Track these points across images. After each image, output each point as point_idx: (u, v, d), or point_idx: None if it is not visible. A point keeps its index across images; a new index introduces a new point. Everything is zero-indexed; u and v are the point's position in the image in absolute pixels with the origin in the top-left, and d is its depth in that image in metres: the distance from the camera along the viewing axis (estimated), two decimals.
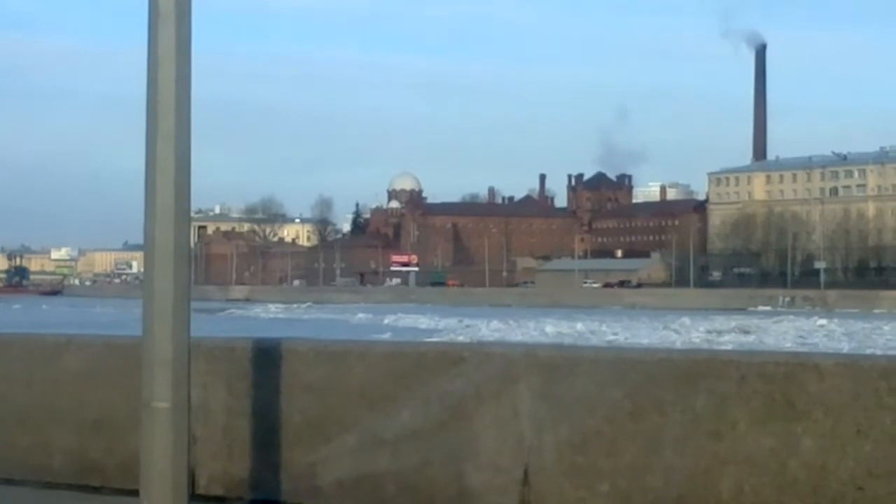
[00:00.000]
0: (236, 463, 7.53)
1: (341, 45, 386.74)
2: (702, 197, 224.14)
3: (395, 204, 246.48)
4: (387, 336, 57.80)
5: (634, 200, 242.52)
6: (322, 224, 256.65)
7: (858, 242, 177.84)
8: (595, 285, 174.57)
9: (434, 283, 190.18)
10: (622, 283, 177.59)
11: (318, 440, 7.31)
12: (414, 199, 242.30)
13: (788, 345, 61.74)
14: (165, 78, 5.32)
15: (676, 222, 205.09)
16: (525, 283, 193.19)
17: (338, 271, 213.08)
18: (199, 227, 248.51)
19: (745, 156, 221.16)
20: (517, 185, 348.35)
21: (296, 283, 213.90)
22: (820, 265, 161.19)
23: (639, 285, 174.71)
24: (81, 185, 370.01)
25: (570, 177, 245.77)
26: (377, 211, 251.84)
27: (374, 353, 7.48)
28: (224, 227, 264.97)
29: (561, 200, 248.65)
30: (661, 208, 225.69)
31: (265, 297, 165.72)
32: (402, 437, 7.06)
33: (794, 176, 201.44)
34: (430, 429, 6.99)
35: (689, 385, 6.39)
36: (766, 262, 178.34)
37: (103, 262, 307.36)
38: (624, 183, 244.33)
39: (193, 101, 5.38)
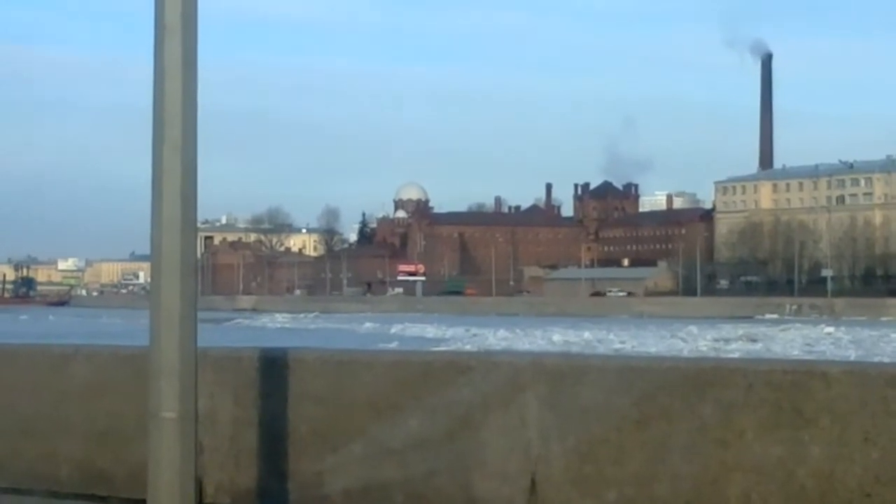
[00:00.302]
0: (243, 472, 7.53)
1: (348, 55, 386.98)
2: (708, 206, 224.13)
3: (401, 213, 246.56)
4: (394, 345, 57.82)
5: (641, 209, 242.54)
6: (328, 234, 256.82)
7: (865, 251, 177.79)
8: (621, 294, 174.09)
9: (452, 292, 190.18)
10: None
11: (324, 449, 7.30)
12: (420, 209, 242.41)
13: (796, 353, 61.74)
14: (172, 88, 5.33)
15: (683, 231, 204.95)
16: (521, 292, 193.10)
17: (344, 281, 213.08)
18: (206, 238, 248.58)
19: (752, 164, 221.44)
20: (523, 195, 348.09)
21: (297, 292, 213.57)
22: (827, 273, 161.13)
23: (628, 294, 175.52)
24: (88, 195, 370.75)
25: (576, 186, 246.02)
26: (384, 221, 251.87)
27: (381, 363, 7.48)
28: (231, 237, 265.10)
29: (567, 209, 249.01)
30: (668, 217, 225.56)
31: (272, 307, 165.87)
32: (409, 446, 7.05)
33: (801, 184, 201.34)
34: (438, 438, 6.99)
35: (697, 393, 6.38)
36: (772, 270, 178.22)
37: (110, 272, 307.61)
38: (630, 192, 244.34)
39: (200, 112, 5.39)
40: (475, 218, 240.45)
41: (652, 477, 6.43)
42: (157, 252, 5.36)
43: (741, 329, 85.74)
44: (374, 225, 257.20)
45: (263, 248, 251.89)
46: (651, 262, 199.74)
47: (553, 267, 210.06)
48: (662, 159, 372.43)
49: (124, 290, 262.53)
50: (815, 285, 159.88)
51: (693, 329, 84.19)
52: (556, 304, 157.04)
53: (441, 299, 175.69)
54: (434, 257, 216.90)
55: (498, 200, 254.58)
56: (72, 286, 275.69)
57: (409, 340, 75.78)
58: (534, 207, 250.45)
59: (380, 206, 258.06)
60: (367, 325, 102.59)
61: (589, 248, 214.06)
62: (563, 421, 6.68)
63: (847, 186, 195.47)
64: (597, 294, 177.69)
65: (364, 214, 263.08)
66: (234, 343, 9.79)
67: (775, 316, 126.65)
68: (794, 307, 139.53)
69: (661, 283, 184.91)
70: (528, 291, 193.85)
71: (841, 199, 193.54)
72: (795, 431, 6.12)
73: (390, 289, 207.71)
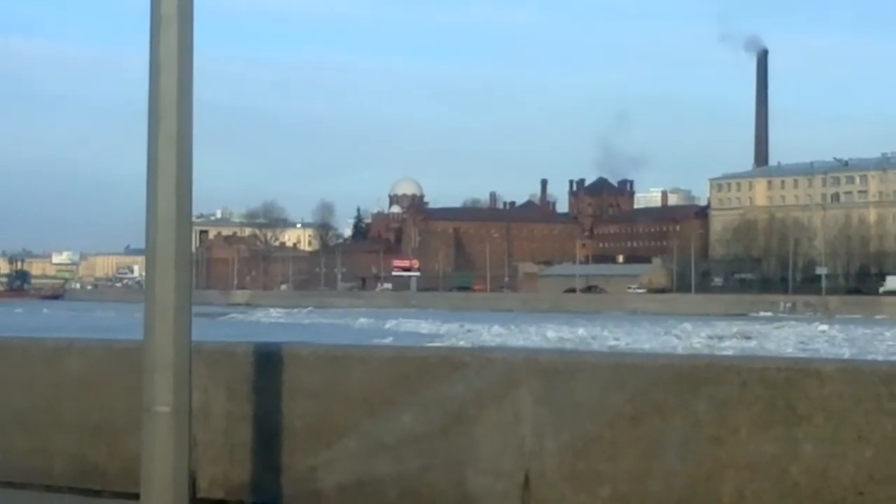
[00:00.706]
0: (237, 467, 7.53)
1: (343, 49, 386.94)
2: (703, 202, 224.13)
3: (396, 209, 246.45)
4: (388, 341, 57.81)
5: (636, 206, 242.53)
6: (323, 229, 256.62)
7: (860, 248, 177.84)
8: (640, 291, 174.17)
9: (460, 288, 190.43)
10: (589, 289, 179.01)
11: (319, 444, 7.31)
12: (415, 204, 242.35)
13: (790, 350, 61.83)
14: (167, 82, 5.33)
15: (678, 228, 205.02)
16: (502, 288, 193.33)
17: (339, 276, 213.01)
18: (201, 232, 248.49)
19: (747, 161, 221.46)
20: (519, 191, 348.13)
21: (283, 287, 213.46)
22: (821, 271, 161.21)
23: (588, 289, 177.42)
24: (83, 189, 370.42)
25: (571, 182, 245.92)
26: (378, 216, 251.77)
27: (376, 358, 7.49)
28: (225, 231, 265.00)
29: (562, 206, 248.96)
30: (663, 214, 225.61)
31: (266, 302, 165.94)
32: (403, 441, 7.06)
33: (796, 182, 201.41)
34: (432, 433, 6.99)
35: (691, 390, 6.39)
36: (767, 267, 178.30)
37: (104, 266, 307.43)
38: (625, 188, 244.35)
39: (195, 106, 5.38)
40: (470, 213, 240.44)
41: (645, 473, 6.44)
42: (151, 246, 5.36)
43: (735, 326, 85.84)
44: (368, 220, 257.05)
45: (258, 243, 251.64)
46: (646, 259, 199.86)
47: (548, 263, 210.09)
48: (657, 156, 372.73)
49: (119, 284, 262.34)
50: (810, 283, 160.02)
51: (687, 326, 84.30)
52: (550, 300, 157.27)
53: (435, 294, 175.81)
54: (429, 253, 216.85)
55: (493, 196, 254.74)
56: (66, 280, 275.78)
57: (403, 336, 75.80)
58: (529, 203, 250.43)
59: (375, 201, 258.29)
60: (362, 320, 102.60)
61: (584, 245, 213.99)
62: (557, 417, 6.68)
63: (842, 184, 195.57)
64: (570, 290, 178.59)
65: (359, 209, 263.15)
66: (229, 338, 9.79)
67: (769, 313, 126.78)
68: (789, 305, 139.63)
69: (655, 280, 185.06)
70: (508, 288, 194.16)
71: (836, 197, 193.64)
72: (789, 429, 6.13)
73: (379, 284, 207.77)
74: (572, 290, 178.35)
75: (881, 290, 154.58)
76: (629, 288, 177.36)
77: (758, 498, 6.19)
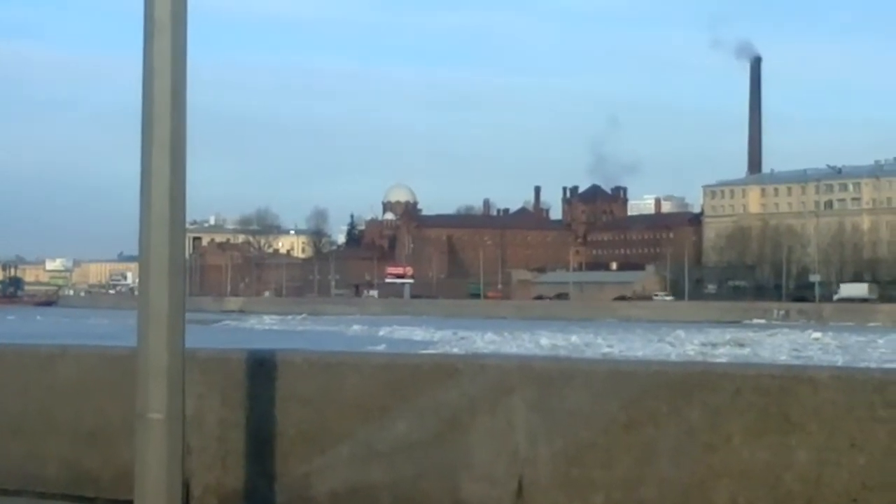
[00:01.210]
0: (230, 474, 7.52)
1: (337, 56, 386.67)
2: (697, 210, 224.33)
3: (390, 216, 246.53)
4: (382, 348, 57.79)
5: (629, 213, 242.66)
6: (317, 236, 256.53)
7: (853, 256, 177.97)
8: (668, 298, 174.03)
9: (473, 295, 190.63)
10: (559, 296, 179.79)
11: (312, 451, 7.30)
12: (409, 211, 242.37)
13: (783, 358, 61.84)
14: (161, 88, 5.32)
15: (671, 235, 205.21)
16: (485, 296, 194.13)
17: (332, 283, 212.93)
18: (194, 239, 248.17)
19: (740, 169, 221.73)
20: (512, 198, 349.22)
21: (266, 294, 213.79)
22: (815, 278, 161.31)
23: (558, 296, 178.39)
24: (76, 195, 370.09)
25: (565, 189, 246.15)
26: (372, 223, 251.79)
27: (369, 365, 7.48)
28: (219, 238, 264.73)
29: (556, 213, 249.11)
30: (656, 221, 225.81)
31: (260, 309, 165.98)
32: (396, 448, 7.05)
33: (789, 189, 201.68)
34: (425, 440, 6.99)
35: (684, 397, 6.39)
36: (760, 275, 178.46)
37: (98, 272, 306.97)
38: (619, 195, 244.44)
39: (189, 111, 5.38)
40: (463, 220, 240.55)
41: (639, 481, 6.44)
42: (145, 252, 5.35)
43: (729, 333, 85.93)
44: (362, 227, 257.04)
45: (252, 250, 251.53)
46: (639, 266, 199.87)
47: (541, 270, 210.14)
48: (651, 163, 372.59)
49: (112, 291, 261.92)
50: (803, 290, 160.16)
51: (681, 333, 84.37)
52: (543, 308, 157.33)
53: (427, 302, 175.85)
54: (422, 260, 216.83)
55: (486, 203, 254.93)
56: (59, 286, 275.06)
57: (396, 343, 75.81)
58: (522, 210, 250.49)
59: (368, 208, 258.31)
60: (355, 327, 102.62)
61: (577, 252, 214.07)
62: (551, 424, 6.68)
63: (835, 191, 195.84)
64: (539, 298, 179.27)
65: (352, 216, 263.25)
66: (222, 344, 9.78)
67: (763, 321, 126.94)
68: (782, 312, 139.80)
69: (649, 287, 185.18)
70: (486, 296, 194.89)
71: (829, 204, 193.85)
72: (783, 436, 6.13)
73: (366, 291, 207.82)
74: (540, 297, 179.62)
75: (835, 297, 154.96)
76: (655, 295, 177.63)
77: None
